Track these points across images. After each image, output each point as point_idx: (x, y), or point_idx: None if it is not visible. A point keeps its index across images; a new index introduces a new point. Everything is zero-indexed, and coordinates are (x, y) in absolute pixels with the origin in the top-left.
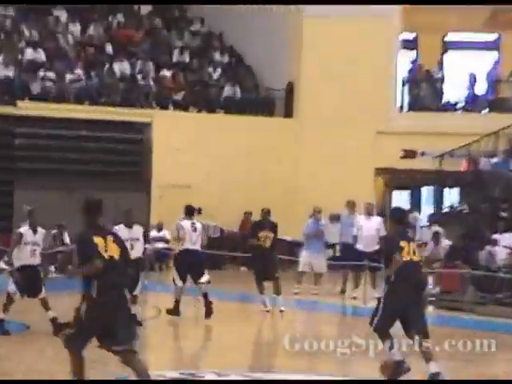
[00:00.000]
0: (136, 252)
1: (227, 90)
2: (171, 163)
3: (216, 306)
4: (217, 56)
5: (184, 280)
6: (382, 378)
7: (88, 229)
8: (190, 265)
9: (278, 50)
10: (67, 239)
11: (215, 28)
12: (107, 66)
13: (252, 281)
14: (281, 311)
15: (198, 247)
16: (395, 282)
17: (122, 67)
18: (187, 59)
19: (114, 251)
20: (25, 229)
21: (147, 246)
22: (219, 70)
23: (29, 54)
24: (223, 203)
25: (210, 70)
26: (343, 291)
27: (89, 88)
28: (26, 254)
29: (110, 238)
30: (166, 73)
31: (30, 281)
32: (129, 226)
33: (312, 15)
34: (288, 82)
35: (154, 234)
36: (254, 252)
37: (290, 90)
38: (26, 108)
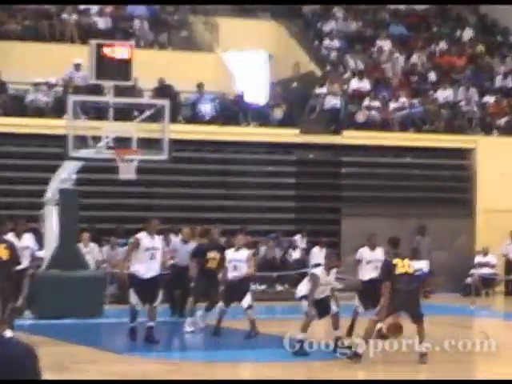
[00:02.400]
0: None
1: None
2: (495, 188)
3: None
4: None
5: None
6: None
7: None
8: None
9: None
10: None
11: None
12: (431, 93)
13: None
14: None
15: None
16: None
17: (445, 94)
18: (510, 84)
19: (3, 254)
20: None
21: (472, 271)
22: None
23: (354, 83)
24: None
25: None
26: None
27: (413, 116)
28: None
29: (1, 246)
30: (489, 98)
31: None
32: (372, 248)
33: None
34: None
35: (479, 259)
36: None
37: None
38: (352, 137)
